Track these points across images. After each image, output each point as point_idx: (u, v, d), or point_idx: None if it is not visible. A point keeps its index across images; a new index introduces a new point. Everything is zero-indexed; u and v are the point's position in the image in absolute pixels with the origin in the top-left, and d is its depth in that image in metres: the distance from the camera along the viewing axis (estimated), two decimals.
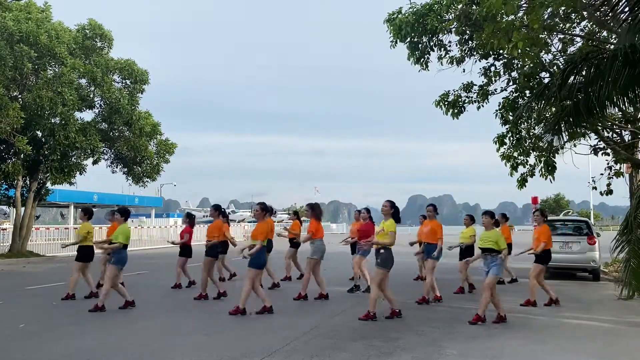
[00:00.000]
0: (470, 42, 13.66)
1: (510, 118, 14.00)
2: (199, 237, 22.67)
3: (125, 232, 9.05)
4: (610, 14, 9.18)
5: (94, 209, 11.45)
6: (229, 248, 12.17)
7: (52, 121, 20.62)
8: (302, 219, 15.12)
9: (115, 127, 22.94)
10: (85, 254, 10.07)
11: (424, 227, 10.36)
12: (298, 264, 12.85)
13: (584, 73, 7.56)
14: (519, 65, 13.45)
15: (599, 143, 14.61)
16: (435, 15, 13.08)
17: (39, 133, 21.31)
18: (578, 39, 13.12)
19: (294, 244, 12.50)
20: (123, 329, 7.57)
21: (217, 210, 10.80)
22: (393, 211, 8.05)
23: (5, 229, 24.45)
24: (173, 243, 12.40)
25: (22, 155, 20.42)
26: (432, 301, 9.73)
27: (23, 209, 21.96)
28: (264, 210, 8.83)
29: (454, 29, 13.33)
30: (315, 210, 10.26)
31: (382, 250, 7.88)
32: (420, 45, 13.97)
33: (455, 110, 14.45)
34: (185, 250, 11.67)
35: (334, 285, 11.06)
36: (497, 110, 14.63)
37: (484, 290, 7.85)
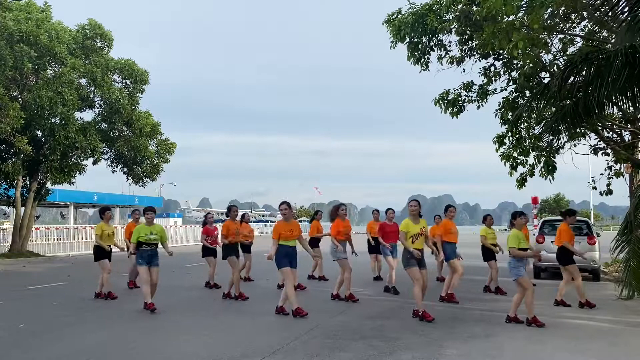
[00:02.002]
0: (470, 42, 13.65)
1: (510, 118, 14.00)
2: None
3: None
4: (610, 14, 9.17)
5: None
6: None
7: (52, 121, 20.66)
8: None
9: (115, 127, 22.98)
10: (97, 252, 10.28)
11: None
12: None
13: (583, 73, 7.55)
14: (519, 65, 13.45)
15: (599, 143, 14.61)
16: (435, 15, 13.08)
17: (39, 133, 21.34)
18: (578, 39, 13.12)
19: (314, 243, 12.67)
20: (123, 328, 7.57)
21: (229, 212, 10.91)
22: (420, 210, 8.13)
23: (5, 229, 24.46)
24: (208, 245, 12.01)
25: (22, 155, 20.44)
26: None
27: (23, 209, 21.97)
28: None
29: (454, 29, 13.32)
30: (331, 212, 10.55)
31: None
32: (420, 46, 13.96)
33: (455, 109, 14.45)
34: (211, 251, 11.83)
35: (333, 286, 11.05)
36: (497, 110, 14.64)
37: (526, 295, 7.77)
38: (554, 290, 10.03)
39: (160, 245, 9.18)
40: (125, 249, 11.21)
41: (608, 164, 15.05)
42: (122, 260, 13.02)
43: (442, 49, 14.16)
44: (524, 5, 10.96)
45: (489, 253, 11.15)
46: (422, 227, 7.99)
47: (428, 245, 8.44)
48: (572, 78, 7.71)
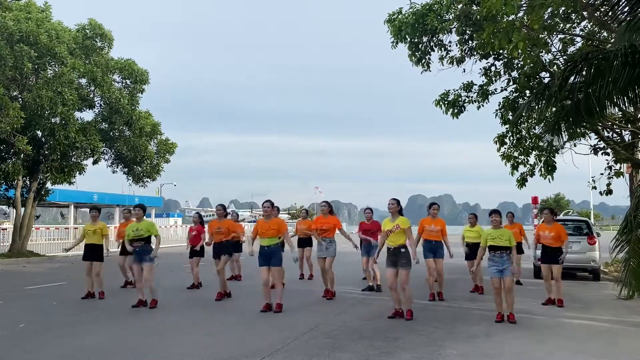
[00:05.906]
0: (470, 42, 13.67)
1: (510, 118, 14.01)
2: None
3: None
4: (610, 14, 9.17)
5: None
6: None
7: (52, 121, 20.63)
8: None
9: (115, 127, 22.95)
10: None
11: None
12: (311, 262, 12.93)
13: (584, 73, 7.55)
14: (519, 65, 13.46)
15: (599, 143, 14.61)
16: (435, 15, 13.09)
17: (39, 133, 21.31)
18: (578, 39, 13.12)
19: (307, 243, 12.63)
20: (123, 328, 7.57)
21: (224, 209, 10.85)
22: (400, 208, 8.06)
23: (5, 229, 24.45)
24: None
25: (22, 155, 20.42)
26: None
27: (23, 209, 21.95)
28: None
29: (454, 29, 13.33)
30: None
31: (403, 250, 7.87)
32: (420, 46, 13.98)
33: (455, 110, 14.47)
34: (197, 250, 11.70)
35: (335, 285, 11.04)
36: (497, 110, 14.64)
37: (509, 292, 7.85)
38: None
39: (154, 242, 9.32)
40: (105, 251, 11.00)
41: (608, 163, 15.06)
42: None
43: (443, 49, 14.18)
44: (524, 5, 10.97)
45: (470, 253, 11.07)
46: (397, 224, 7.86)
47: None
48: (572, 78, 7.71)
